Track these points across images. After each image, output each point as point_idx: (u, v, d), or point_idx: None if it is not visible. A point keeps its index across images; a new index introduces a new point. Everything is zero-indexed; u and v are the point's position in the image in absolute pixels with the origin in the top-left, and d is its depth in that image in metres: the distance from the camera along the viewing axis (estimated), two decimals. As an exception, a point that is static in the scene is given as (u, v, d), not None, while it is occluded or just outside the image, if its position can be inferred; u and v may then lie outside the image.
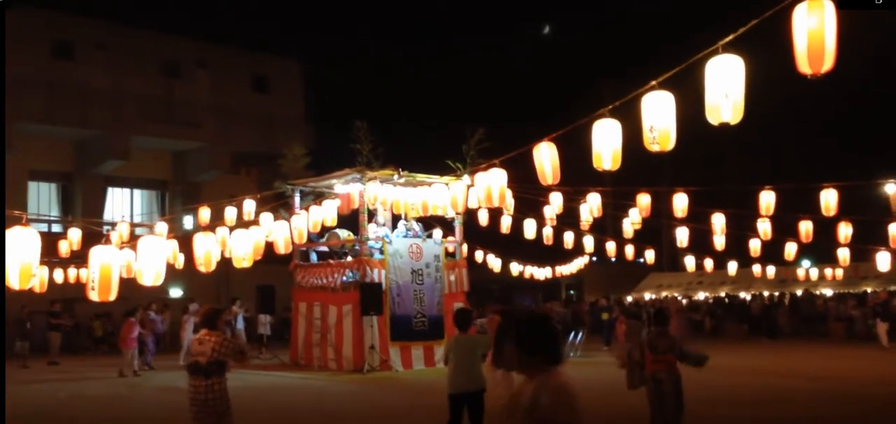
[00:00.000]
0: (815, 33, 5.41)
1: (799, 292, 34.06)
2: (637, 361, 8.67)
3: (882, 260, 20.68)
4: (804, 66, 5.47)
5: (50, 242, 21.87)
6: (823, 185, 15.49)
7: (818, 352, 22.13)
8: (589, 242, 23.70)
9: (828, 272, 29.55)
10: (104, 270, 9.43)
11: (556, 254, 27.57)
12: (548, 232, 21.53)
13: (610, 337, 24.25)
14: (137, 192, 34.81)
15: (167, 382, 17.39)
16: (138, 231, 22.90)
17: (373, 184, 18.42)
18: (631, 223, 19.99)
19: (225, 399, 7.58)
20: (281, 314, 29.03)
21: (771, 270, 27.63)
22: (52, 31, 29.86)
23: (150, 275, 10.48)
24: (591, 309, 32.57)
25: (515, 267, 29.09)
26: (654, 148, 7.16)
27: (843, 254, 20.96)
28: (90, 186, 32.29)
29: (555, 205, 17.42)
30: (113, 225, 22.63)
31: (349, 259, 19.99)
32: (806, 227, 18.21)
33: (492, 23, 64.44)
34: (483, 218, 20.14)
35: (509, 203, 17.93)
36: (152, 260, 10.52)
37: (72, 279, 21.37)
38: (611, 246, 24.53)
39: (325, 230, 20.21)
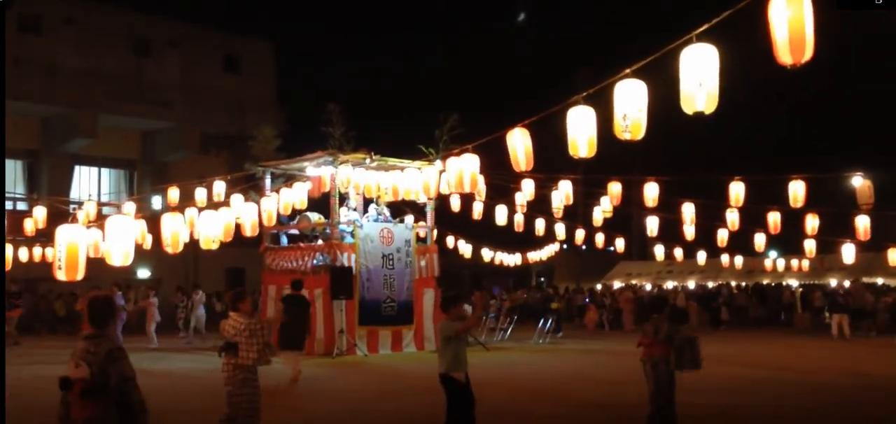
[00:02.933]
0: (794, 23, 5.44)
1: (766, 282, 34.47)
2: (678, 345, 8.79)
3: (847, 252, 21.00)
4: (784, 56, 5.50)
5: (15, 220, 21.58)
6: (792, 177, 15.68)
7: (784, 342, 22.43)
8: (560, 229, 23.79)
9: (794, 263, 29.93)
10: (71, 249, 9.32)
11: (528, 241, 27.65)
12: (519, 219, 21.58)
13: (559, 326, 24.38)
14: (105, 171, 34.38)
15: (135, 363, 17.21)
16: (106, 210, 22.63)
17: (344, 167, 18.32)
18: (602, 211, 20.10)
19: (234, 381, 7.96)
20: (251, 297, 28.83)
21: (739, 260, 27.96)
22: (19, 4, 29.25)
23: (119, 256, 10.37)
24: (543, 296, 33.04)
25: (487, 254, 29.14)
26: (626, 136, 7.19)
27: (810, 246, 21.23)
28: (57, 164, 31.82)
29: (526, 191, 17.47)
30: (80, 204, 22.31)
31: (320, 242, 19.88)
32: (774, 218, 18.41)
33: (467, 8, 64.29)
34: (455, 204, 20.13)
35: (481, 189, 17.95)
36: (120, 241, 10.40)
37: (37, 258, 21.04)
38: (581, 234, 24.66)
39: (295, 213, 20.09)
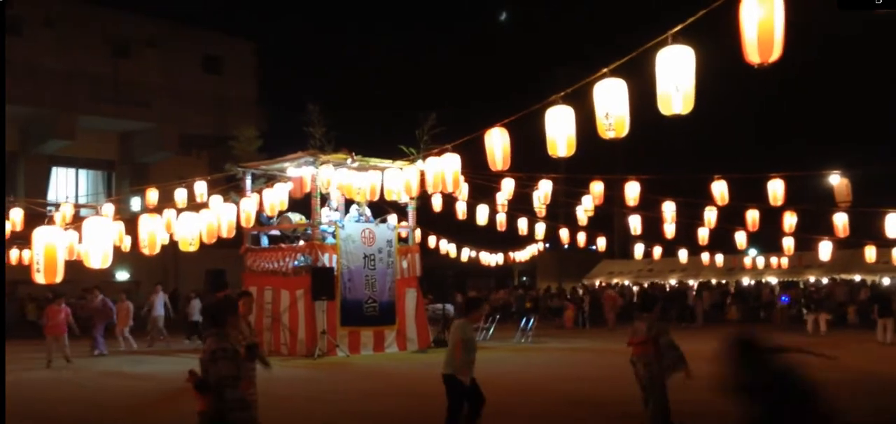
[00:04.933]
0: (764, 23, 5.48)
1: (746, 280, 34.75)
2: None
3: (824, 250, 21.18)
4: (753, 56, 5.54)
5: (-9, 223, 21.29)
6: (771, 175, 15.80)
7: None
8: (542, 229, 23.83)
9: (773, 260, 30.17)
10: (49, 251, 9.24)
11: (510, 240, 27.69)
12: (501, 219, 21.60)
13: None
14: (83, 173, 34.09)
15: (113, 366, 17.13)
16: (83, 212, 22.42)
17: (326, 167, 18.25)
18: (584, 210, 20.16)
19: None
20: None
21: (719, 258, 28.14)
22: (-3, 5, 28.97)
23: (97, 258, 10.30)
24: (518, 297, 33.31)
25: (469, 253, 29.14)
26: (610, 135, 7.21)
27: (788, 243, 21.40)
28: (34, 166, 31.53)
29: (507, 190, 17.49)
30: (57, 206, 22.08)
31: (301, 243, 19.81)
32: (753, 216, 18.54)
33: (447, 8, 64.32)
34: (436, 204, 20.11)
35: (462, 188, 17.95)
36: (98, 242, 10.33)
37: (14, 260, 20.80)
38: (564, 233, 24.72)
39: (279, 214, 20.00)
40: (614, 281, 40.13)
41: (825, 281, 31.57)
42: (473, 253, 29.49)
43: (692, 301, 29.90)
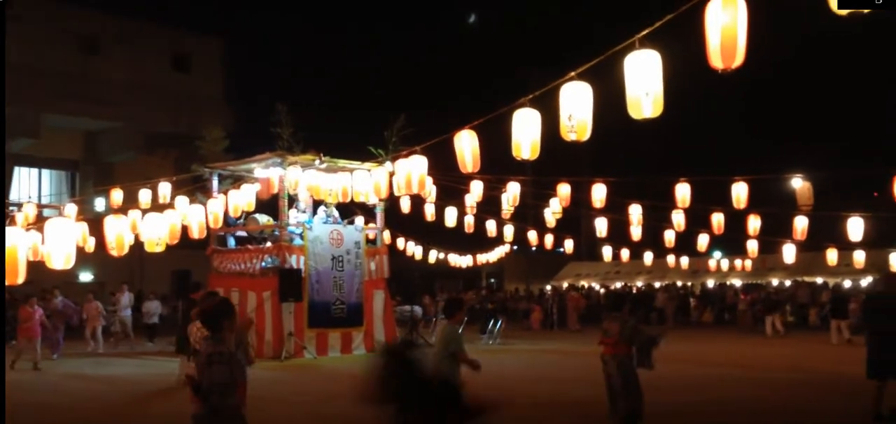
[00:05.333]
0: (727, 29, 5.56)
1: (711, 282, 35.18)
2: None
3: (788, 253, 21.53)
4: (716, 61, 5.62)
5: (-50, 223, 20.85)
6: (734, 178, 16.02)
7: (728, 340, 22.92)
8: (510, 231, 23.91)
9: (738, 263, 30.58)
10: (10, 252, 9.07)
11: (478, 242, 27.76)
12: (469, 220, 21.65)
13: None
14: (46, 173, 33.56)
15: (75, 369, 16.90)
16: (47, 212, 22.06)
17: (293, 168, 18.14)
18: (552, 212, 20.27)
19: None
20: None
21: (685, 261, 28.45)
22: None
23: (60, 259, 10.15)
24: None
25: (437, 255, 29.16)
26: (572, 137, 7.27)
27: (752, 246, 21.70)
28: (-5, 165, 30.93)
29: (475, 192, 17.54)
30: (19, 206, 21.72)
31: (268, 244, 19.69)
32: (718, 219, 18.78)
33: (416, 10, 64.28)
34: (405, 206, 20.11)
35: (431, 190, 17.97)
36: (61, 243, 10.18)
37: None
38: (532, 235, 24.82)
39: (246, 215, 19.87)
40: (582, 282, 40.43)
41: (788, 283, 32.08)
42: (442, 255, 29.52)
43: (662, 302, 30.26)
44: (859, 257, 22.42)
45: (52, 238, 10.19)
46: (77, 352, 19.56)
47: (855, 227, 17.24)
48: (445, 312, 8.60)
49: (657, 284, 35.63)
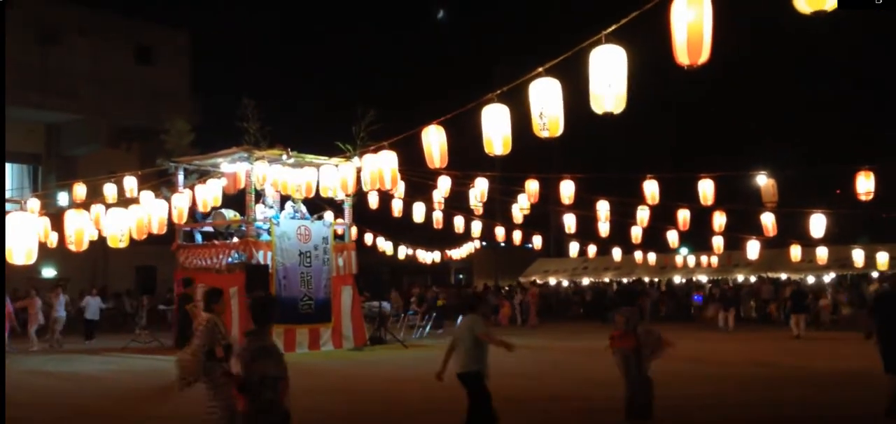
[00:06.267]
0: (693, 26, 5.59)
1: (677, 278, 35.51)
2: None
3: (752, 249, 21.81)
4: (682, 57, 5.65)
5: None
6: (700, 176, 16.17)
7: (691, 335, 23.16)
8: (478, 227, 23.94)
9: (704, 259, 30.89)
10: (-32, 247, 8.88)
11: (446, 238, 27.76)
12: (437, 216, 21.62)
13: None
14: (8, 166, 32.88)
15: (37, 365, 16.60)
16: (8, 207, 21.64)
17: (260, 163, 17.98)
18: (519, 208, 20.31)
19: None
20: (163, 295, 27.97)
21: (652, 257, 28.70)
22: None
23: (21, 254, 9.95)
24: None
25: (406, 251, 29.11)
26: (544, 134, 7.28)
27: (718, 242, 21.94)
28: (-47, 159, 30.30)
29: (444, 188, 17.52)
30: (-21, 200, 21.27)
31: (235, 240, 19.50)
32: (684, 216, 18.95)
33: (385, 5, 64.11)
34: (373, 201, 20.03)
35: (399, 186, 17.91)
36: (22, 238, 9.98)
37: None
38: (500, 231, 24.87)
39: (213, 210, 19.66)
40: (549, 279, 40.62)
41: (753, 279, 32.48)
42: (410, 251, 29.46)
43: (640, 298, 30.62)
44: (822, 253, 22.77)
45: (14, 233, 9.99)
46: (20, 350, 19.08)
47: (818, 224, 17.51)
48: (468, 308, 8.66)
49: (646, 279, 35.74)
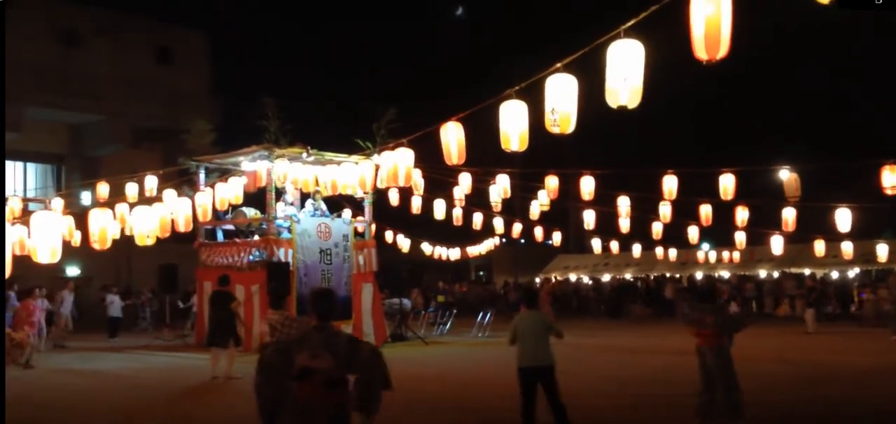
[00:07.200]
0: (712, 20, 5.54)
1: (699, 274, 35.26)
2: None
3: (775, 244, 21.61)
4: (701, 52, 5.60)
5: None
6: (722, 170, 16.05)
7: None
8: (498, 223, 23.92)
9: (726, 255, 30.66)
10: (-7, 246, 9.00)
11: (466, 235, 27.73)
12: (457, 213, 21.61)
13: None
14: (32, 166, 33.31)
15: (61, 364, 16.77)
16: (32, 207, 21.91)
17: (281, 161, 18.07)
18: (539, 205, 20.28)
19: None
20: (185, 292, 28.11)
21: (673, 253, 28.52)
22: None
23: (45, 253, 10.09)
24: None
25: (425, 248, 29.12)
26: (555, 130, 7.25)
27: (740, 238, 21.77)
28: (-21, 159, 30.69)
29: (463, 185, 17.51)
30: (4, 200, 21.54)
31: (256, 238, 19.60)
32: (706, 211, 18.82)
33: (403, 2, 64.15)
34: (393, 198, 20.06)
35: (418, 182, 17.92)
36: (46, 237, 10.12)
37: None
38: (519, 228, 24.82)
39: (233, 208, 19.79)
40: (570, 275, 40.49)
41: (777, 274, 32.21)
42: (430, 248, 29.47)
43: (670, 294, 30.48)
44: (847, 248, 22.54)
45: (38, 232, 10.12)
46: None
47: (842, 218, 17.33)
48: (527, 303, 8.64)
49: (668, 274, 35.45)
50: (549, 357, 8.24)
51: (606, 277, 38.66)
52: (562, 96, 7.12)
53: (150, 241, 15.01)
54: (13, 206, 18.56)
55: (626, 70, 6.25)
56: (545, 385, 8.20)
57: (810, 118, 42.69)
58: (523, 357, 8.27)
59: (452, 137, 9.87)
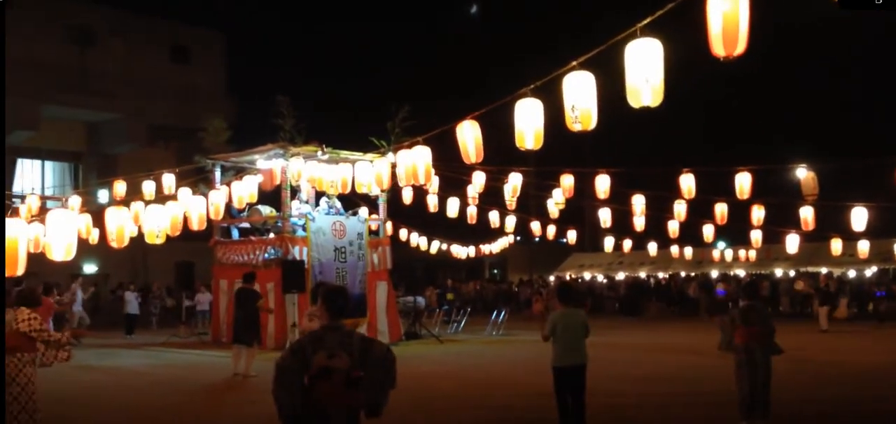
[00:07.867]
0: (729, 16, 5.52)
1: (714, 273, 35.07)
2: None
3: (791, 243, 21.47)
4: (718, 49, 5.58)
5: (-47, 215, 20.84)
6: (738, 168, 15.95)
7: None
8: (513, 222, 23.89)
9: (742, 253, 30.47)
10: (10, 244, 9.05)
11: (480, 233, 27.72)
12: (472, 211, 21.61)
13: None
14: (49, 164, 33.58)
15: (77, 360, 16.87)
16: (50, 204, 22.09)
17: (296, 160, 18.13)
18: (554, 203, 20.24)
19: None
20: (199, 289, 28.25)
21: (689, 251, 28.38)
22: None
23: (60, 250, 10.12)
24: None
25: (440, 246, 29.12)
26: (577, 127, 7.23)
27: (756, 236, 21.64)
28: (-2, 157, 30.96)
29: (478, 183, 17.51)
30: (22, 198, 21.74)
31: (271, 236, 19.68)
32: (721, 209, 18.71)
33: (418, 1, 64.14)
34: (407, 197, 20.08)
35: (433, 181, 17.93)
36: (62, 234, 10.16)
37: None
38: (535, 226, 24.78)
39: (249, 207, 19.86)
40: (585, 273, 40.40)
41: (792, 273, 31.99)
42: (444, 246, 29.47)
43: (694, 292, 30.41)
44: (863, 247, 22.36)
45: (54, 229, 10.17)
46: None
47: (858, 217, 17.20)
48: (566, 300, 8.56)
49: (692, 273, 35.30)
50: (585, 355, 8.21)
51: (621, 276, 38.53)
52: (581, 93, 7.10)
53: (160, 240, 15.07)
54: (31, 203, 18.70)
55: (646, 69, 6.22)
56: (575, 382, 8.18)
57: (810, 118, 42.46)
58: (561, 356, 8.20)
59: (469, 136, 9.86)
